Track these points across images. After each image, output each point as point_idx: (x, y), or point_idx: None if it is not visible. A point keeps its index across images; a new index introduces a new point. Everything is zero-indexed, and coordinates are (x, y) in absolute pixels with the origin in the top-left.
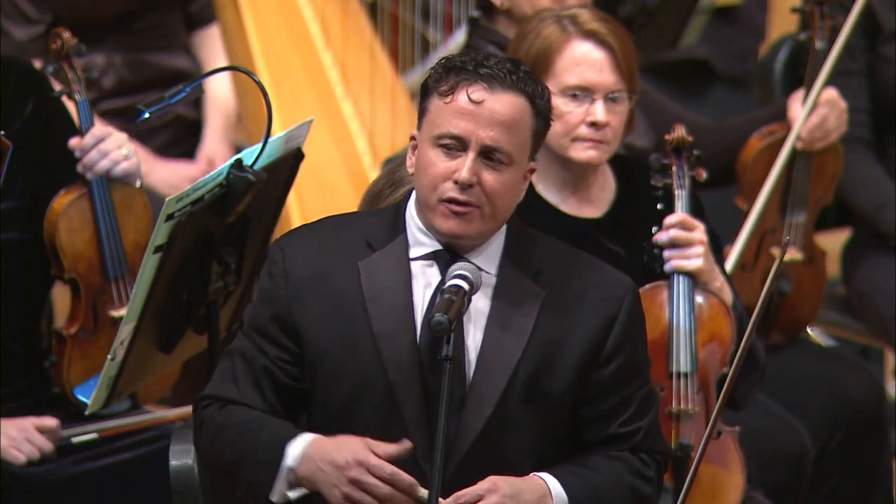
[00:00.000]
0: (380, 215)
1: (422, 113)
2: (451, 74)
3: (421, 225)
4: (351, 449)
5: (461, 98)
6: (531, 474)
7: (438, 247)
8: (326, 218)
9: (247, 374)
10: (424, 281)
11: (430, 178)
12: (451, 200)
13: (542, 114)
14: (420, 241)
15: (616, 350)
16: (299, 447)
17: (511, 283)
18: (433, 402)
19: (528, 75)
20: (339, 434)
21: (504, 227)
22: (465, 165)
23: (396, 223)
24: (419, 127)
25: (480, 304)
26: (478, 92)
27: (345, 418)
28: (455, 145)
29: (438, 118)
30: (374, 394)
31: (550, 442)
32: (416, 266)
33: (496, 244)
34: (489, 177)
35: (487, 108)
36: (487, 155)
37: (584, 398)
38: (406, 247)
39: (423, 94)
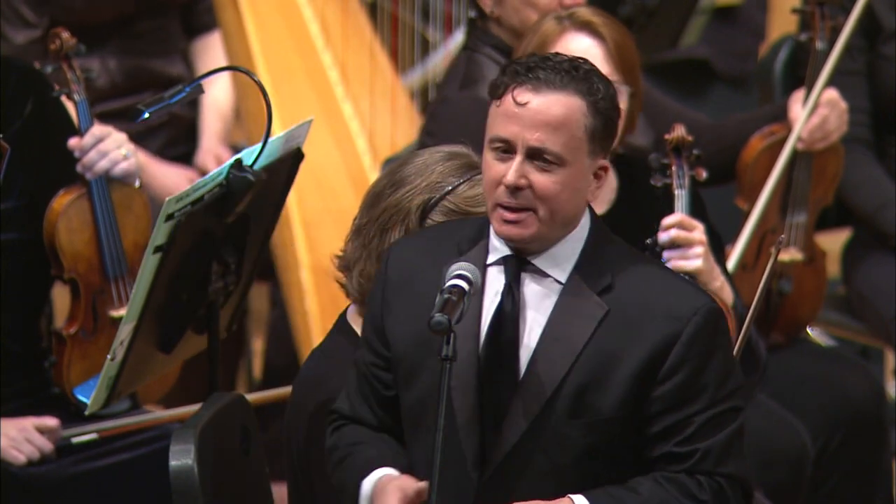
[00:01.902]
0: (476, 222)
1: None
2: (505, 77)
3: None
4: (388, 490)
5: (508, 101)
6: (565, 497)
7: (509, 252)
8: (439, 223)
9: (356, 386)
10: (494, 287)
11: (487, 182)
12: (505, 206)
13: (602, 112)
14: (496, 247)
15: (675, 369)
16: (370, 485)
17: (575, 295)
18: (487, 410)
19: (587, 74)
20: (411, 440)
21: (585, 235)
22: (511, 168)
23: (483, 229)
24: None
25: (541, 314)
26: (523, 94)
27: (415, 421)
28: (505, 148)
29: (492, 122)
30: (437, 398)
31: (598, 459)
32: (491, 272)
33: (570, 251)
34: (540, 178)
35: (532, 109)
36: (537, 157)
37: (641, 416)
38: (485, 253)
39: (490, 96)
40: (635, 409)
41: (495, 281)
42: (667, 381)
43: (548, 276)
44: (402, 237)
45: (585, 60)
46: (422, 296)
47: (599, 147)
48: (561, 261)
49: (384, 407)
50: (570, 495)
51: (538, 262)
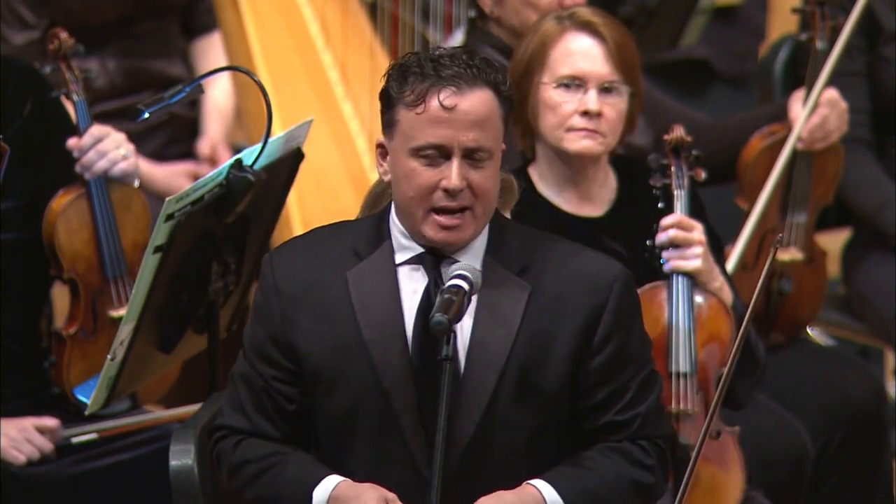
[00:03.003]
0: (366, 223)
1: (389, 123)
2: (412, 82)
3: (403, 230)
4: (364, 500)
5: (433, 106)
6: (524, 483)
7: (421, 250)
8: (316, 229)
9: (252, 400)
10: (412, 286)
11: (416, 189)
12: (442, 210)
13: (508, 97)
14: (404, 246)
15: (606, 339)
16: (324, 493)
17: (496, 280)
18: (428, 407)
19: (484, 63)
20: (341, 448)
21: (487, 224)
22: (452, 173)
23: (381, 230)
24: (388, 137)
25: None
26: (449, 97)
27: (344, 430)
28: (436, 154)
29: (413, 130)
30: (371, 403)
31: (547, 437)
32: (402, 271)
33: (479, 240)
34: (476, 176)
35: (461, 111)
36: (470, 155)
37: (578, 389)
38: (391, 253)
39: (387, 105)
40: (574, 383)
41: (410, 280)
42: (601, 352)
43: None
44: (278, 247)
45: (471, 49)
46: (328, 306)
47: (506, 131)
48: (475, 251)
49: (287, 420)
50: (531, 481)
51: (455, 255)
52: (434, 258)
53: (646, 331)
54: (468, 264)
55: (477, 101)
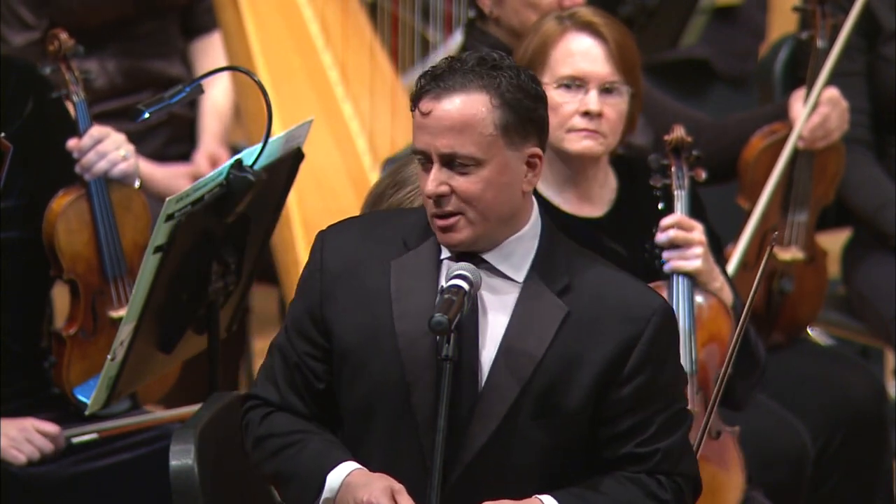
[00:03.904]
0: (420, 214)
1: None
2: (416, 88)
3: None
4: (372, 489)
5: (416, 112)
6: (533, 496)
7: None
8: (373, 213)
9: (284, 374)
10: None
11: (422, 194)
12: (435, 215)
13: (511, 102)
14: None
15: (637, 370)
16: (338, 478)
17: (535, 296)
18: (448, 406)
19: (491, 68)
20: (358, 435)
21: (538, 234)
22: (428, 179)
23: (430, 224)
24: None
25: (501, 315)
26: (426, 103)
27: (362, 417)
28: (424, 159)
29: (413, 135)
30: (391, 394)
31: (560, 458)
32: (445, 267)
33: (524, 251)
34: (460, 182)
35: (435, 117)
36: (451, 162)
37: (602, 417)
38: (438, 249)
39: None
40: (597, 409)
41: None
42: (629, 383)
43: (503, 274)
44: (333, 225)
45: (497, 53)
46: (368, 290)
47: (519, 136)
48: (515, 259)
49: (314, 397)
50: (539, 496)
51: (491, 258)
52: (470, 258)
53: (683, 370)
54: (468, 264)
55: (452, 106)
